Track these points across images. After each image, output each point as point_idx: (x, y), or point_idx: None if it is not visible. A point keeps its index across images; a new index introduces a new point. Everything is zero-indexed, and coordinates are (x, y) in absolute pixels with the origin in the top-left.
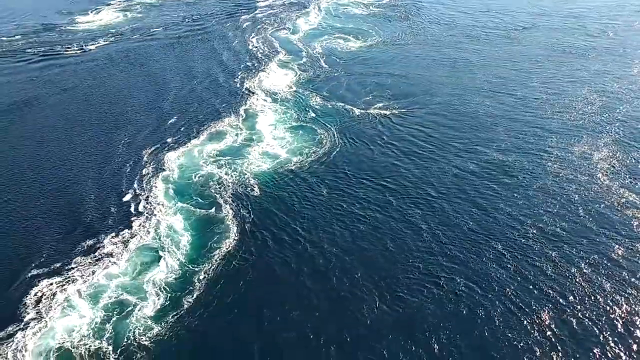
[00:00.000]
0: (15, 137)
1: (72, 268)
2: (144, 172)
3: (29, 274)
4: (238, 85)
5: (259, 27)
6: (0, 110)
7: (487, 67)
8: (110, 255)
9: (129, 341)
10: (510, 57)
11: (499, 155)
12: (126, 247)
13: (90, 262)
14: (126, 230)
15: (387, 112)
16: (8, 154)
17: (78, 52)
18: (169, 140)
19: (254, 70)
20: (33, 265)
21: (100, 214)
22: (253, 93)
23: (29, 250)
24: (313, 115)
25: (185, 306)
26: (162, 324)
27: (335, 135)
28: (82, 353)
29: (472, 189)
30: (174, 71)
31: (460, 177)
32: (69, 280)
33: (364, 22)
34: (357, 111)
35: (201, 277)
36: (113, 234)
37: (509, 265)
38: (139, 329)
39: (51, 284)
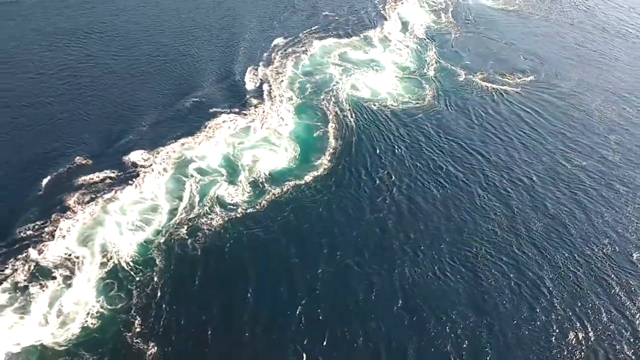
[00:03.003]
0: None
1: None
2: (288, 51)
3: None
4: (379, 4)
5: None
6: None
7: (630, 69)
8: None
9: (200, 211)
10: None
11: (609, 162)
12: (245, 123)
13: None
14: (244, 109)
15: (502, 87)
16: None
17: None
18: (315, 29)
19: None
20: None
21: (232, 87)
22: (388, 18)
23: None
24: (425, 68)
25: (247, 215)
26: (227, 217)
27: (440, 95)
28: (186, 191)
29: (574, 187)
30: None
31: (562, 172)
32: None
33: None
34: (471, 77)
35: (275, 193)
36: (236, 108)
37: (584, 275)
38: (210, 208)
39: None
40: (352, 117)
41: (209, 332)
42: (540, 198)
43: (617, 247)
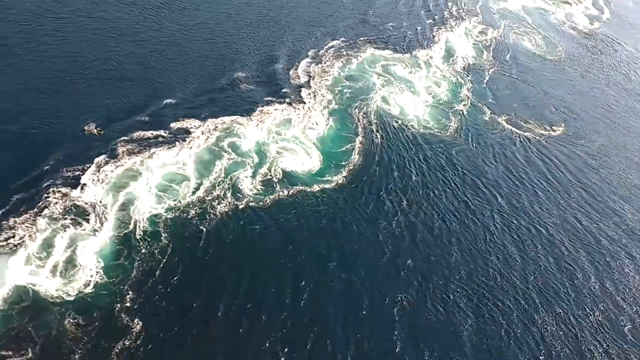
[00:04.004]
0: None
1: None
2: (342, 52)
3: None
4: (430, 27)
5: None
6: None
7: None
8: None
9: (215, 193)
10: None
11: (623, 229)
12: (288, 116)
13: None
14: (292, 103)
15: (525, 133)
16: None
17: None
18: (373, 38)
19: (446, 21)
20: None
21: (286, 78)
22: (436, 42)
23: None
24: (454, 101)
25: (256, 208)
26: (236, 206)
27: (463, 129)
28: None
29: (584, 246)
30: None
31: (575, 228)
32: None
33: (561, 37)
34: (496, 118)
35: (286, 194)
36: (287, 99)
37: (581, 336)
38: (224, 193)
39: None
40: (378, 132)
41: (194, 320)
42: (550, 249)
43: (614, 315)
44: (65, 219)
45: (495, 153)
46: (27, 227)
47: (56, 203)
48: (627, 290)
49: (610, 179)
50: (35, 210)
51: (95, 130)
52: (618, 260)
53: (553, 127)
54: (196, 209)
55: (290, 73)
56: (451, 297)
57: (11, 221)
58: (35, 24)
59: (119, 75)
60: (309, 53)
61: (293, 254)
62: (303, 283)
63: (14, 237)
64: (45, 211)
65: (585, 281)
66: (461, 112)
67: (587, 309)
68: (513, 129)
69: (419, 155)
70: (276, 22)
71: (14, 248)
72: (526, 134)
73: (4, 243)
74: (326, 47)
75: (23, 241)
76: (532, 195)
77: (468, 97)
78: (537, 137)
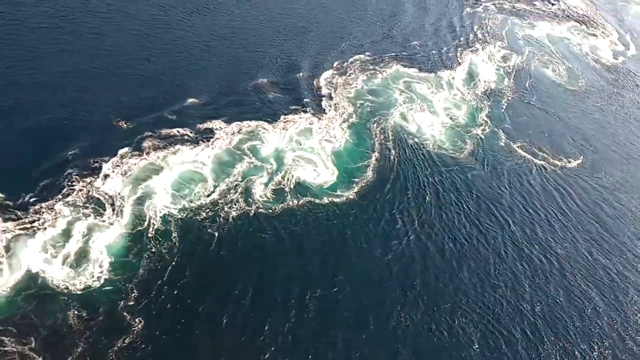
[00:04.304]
0: None
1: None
2: (369, 67)
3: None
4: (455, 48)
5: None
6: None
7: None
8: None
9: (228, 197)
10: None
11: (631, 267)
12: (311, 126)
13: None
14: (316, 113)
15: (540, 162)
16: None
17: None
18: (400, 55)
19: (471, 43)
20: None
21: (311, 87)
22: (460, 64)
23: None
24: (471, 124)
25: (268, 215)
26: (246, 211)
27: (478, 153)
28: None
29: (590, 281)
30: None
31: (583, 262)
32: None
33: (584, 68)
34: (511, 144)
35: (298, 203)
36: (310, 109)
37: None
38: (237, 198)
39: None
40: (394, 150)
41: (196, 324)
42: (560, 281)
43: (619, 352)
44: (87, 207)
45: (510, 180)
46: (50, 212)
47: (80, 191)
48: (635, 329)
49: (624, 215)
50: (60, 196)
51: (123, 124)
52: (627, 296)
53: (570, 158)
54: (208, 212)
55: (314, 83)
56: (456, 322)
57: (37, 205)
58: (72, 17)
59: (150, 73)
60: (334, 64)
61: (301, 265)
62: (308, 295)
63: (38, 220)
64: (69, 198)
65: (593, 316)
66: (478, 136)
67: (592, 344)
68: (530, 157)
69: (434, 176)
70: (304, 33)
71: (35, 231)
72: (542, 162)
73: (28, 225)
74: (351, 60)
75: (44, 226)
76: (545, 225)
77: (486, 122)
78: (553, 167)
